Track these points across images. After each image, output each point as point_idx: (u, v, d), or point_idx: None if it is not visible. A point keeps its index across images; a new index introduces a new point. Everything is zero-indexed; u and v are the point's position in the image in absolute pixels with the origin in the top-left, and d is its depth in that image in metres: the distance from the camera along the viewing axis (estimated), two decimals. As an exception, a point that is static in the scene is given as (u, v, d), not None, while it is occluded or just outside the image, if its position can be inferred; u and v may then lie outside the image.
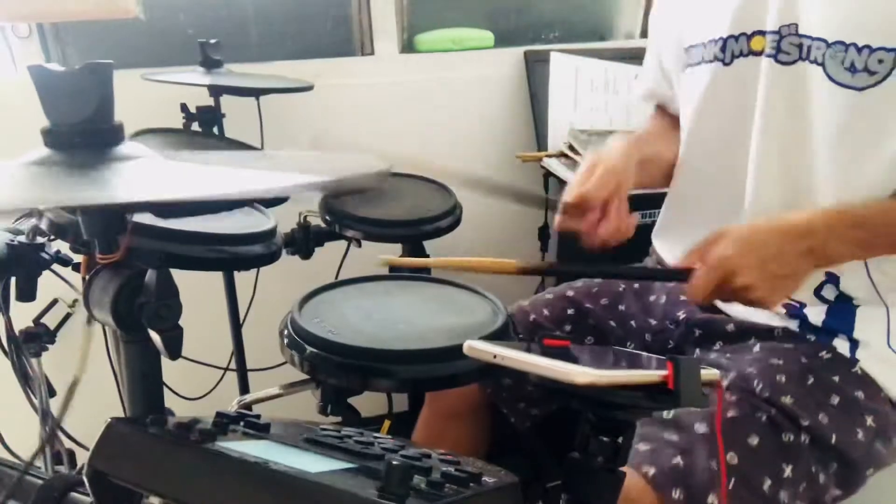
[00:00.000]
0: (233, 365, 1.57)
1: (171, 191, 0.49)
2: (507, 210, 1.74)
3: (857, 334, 0.87)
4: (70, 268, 0.93)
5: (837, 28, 0.80)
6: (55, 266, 0.89)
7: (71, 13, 1.28)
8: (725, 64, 0.91)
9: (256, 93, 1.45)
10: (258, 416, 0.59)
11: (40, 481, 0.65)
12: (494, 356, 0.54)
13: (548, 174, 1.57)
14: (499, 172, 1.71)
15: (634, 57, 1.45)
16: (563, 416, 0.99)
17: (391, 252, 1.27)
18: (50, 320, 1.19)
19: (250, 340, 1.55)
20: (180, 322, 0.60)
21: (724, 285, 0.74)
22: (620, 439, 0.53)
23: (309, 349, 0.72)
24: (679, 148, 1.05)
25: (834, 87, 0.81)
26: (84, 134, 0.52)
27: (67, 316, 1.44)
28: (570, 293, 1.09)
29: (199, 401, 1.47)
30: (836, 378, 0.85)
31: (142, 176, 0.51)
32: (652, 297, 1.06)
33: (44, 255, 0.86)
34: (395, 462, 0.45)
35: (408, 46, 1.80)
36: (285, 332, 0.76)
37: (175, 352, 0.60)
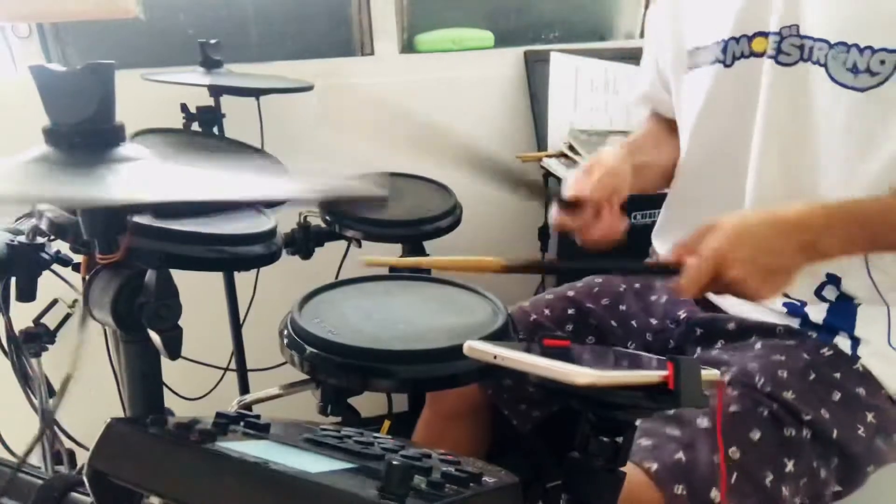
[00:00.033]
0: (233, 365, 1.57)
1: (170, 191, 0.49)
2: (507, 210, 1.74)
3: (858, 332, 0.87)
4: (70, 268, 0.92)
5: (840, 29, 0.80)
6: (55, 266, 0.89)
7: (71, 13, 1.27)
8: (726, 66, 0.91)
9: (256, 93, 1.45)
10: (258, 417, 0.58)
11: (40, 481, 0.65)
12: (494, 356, 0.54)
13: (548, 174, 1.57)
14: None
15: (634, 57, 1.44)
16: (564, 416, 0.99)
17: (391, 252, 1.27)
18: (50, 320, 1.18)
19: (250, 340, 1.55)
20: (180, 322, 0.60)
21: (716, 278, 0.74)
22: (621, 439, 0.53)
23: (309, 349, 0.72)
24: (674, 152, 1.05)
25: (836, 88, 0.81)
26: (85, 134, 0.52)
27: (67, 316, 1.43)
28: (571, 293, 1.09)
29: (199, 401, 1.47)
30: (838, 375, 0.85)
31: (142, 176, 0.51)
32: (653, 297, 1.06)
33: (44, 255, 0.86)
34: (395, 462, 0.45)
35: (408, 46, 1.80)
36: (285, 332, 0.76)
37: (175, 352, 0.60)
